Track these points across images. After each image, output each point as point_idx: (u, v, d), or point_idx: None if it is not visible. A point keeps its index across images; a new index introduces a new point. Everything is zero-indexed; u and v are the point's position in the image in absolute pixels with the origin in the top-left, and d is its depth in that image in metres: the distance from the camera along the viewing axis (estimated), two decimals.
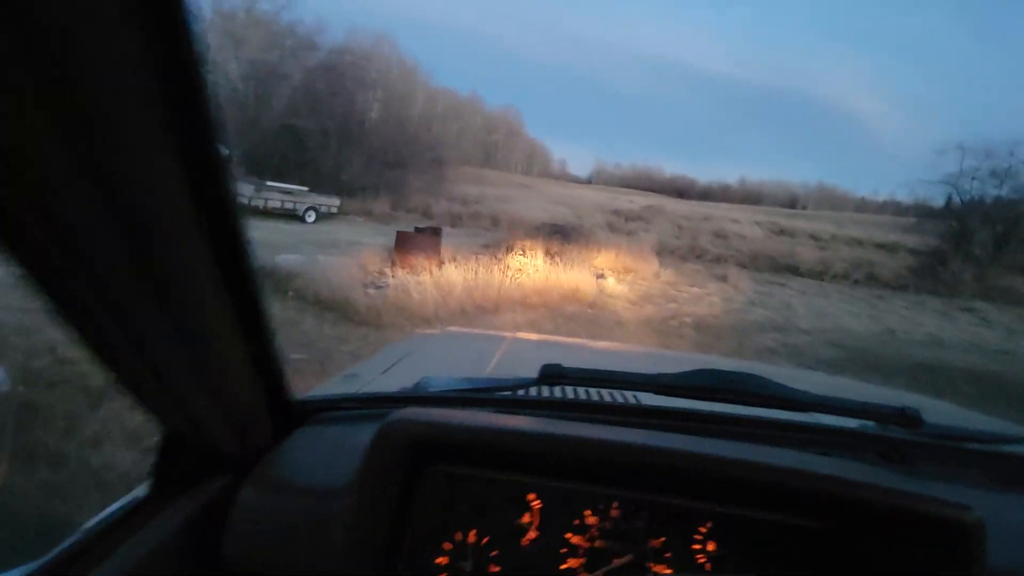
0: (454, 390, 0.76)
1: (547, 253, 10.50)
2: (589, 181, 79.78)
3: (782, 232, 25.89)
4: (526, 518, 0.58)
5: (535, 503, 0.58)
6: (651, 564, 0.56)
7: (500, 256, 10.07)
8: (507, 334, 1.75)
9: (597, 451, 0.53)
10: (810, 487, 0.49)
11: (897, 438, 0.71)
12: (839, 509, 0.51)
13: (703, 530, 0.56)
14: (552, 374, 0.72)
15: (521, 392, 0.76)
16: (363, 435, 0.57)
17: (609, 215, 26.39)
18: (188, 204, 0.38)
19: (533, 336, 2.35)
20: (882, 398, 0.82)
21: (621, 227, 22.48)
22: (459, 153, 43.82)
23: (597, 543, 0.57)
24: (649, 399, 0.75)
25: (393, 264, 8.28)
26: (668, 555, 0.56)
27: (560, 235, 13.73)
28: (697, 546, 0.56)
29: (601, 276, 10.45)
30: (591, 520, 0.57)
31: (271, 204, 15.71)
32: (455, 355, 1.50)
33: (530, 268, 9.36)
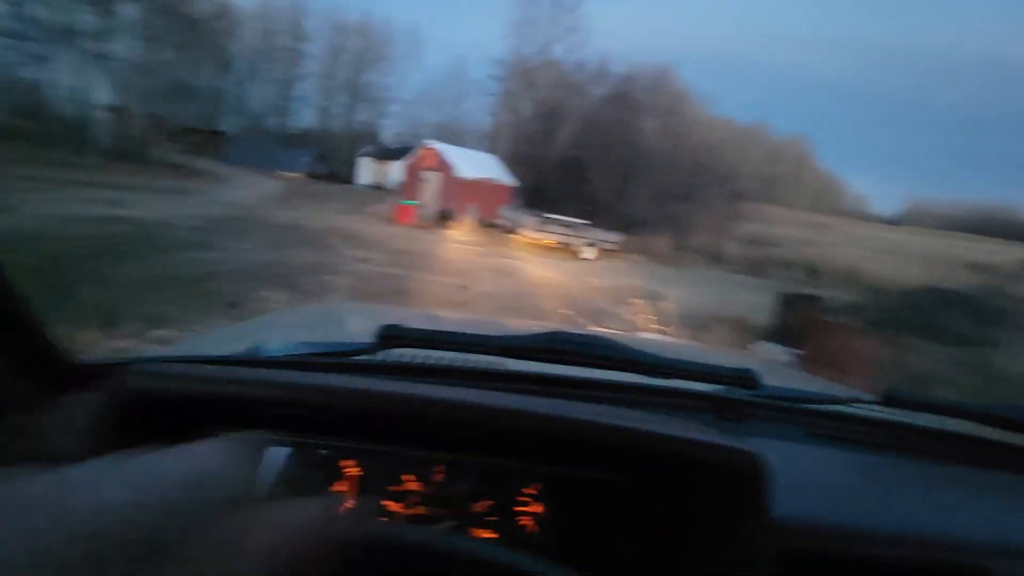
0: (287, 354, 0.69)
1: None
2: (898, 221, 63.12)
3: None
4: (340, 486, 0.54)
5: (351, 470, 0.54)
6: (474, 528, 0.54)
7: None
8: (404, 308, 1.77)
9: (413, 409, 0.48)
10: (612, 438, 0.48)
11: (735, 399, 0.74)
12: (648, 463, 0.50)
13: (530, 492, 0.55)
14: (390, 335, 0.67)
15: (363, 357, 0.70)
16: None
17: (977, 272, 18.10)
18: None
19: (428, 311, 2.44)
20: (733, 363, 0.85)
21: None
22: (737, 187, 38.36)
23: (417, 509, 0.55)
24: (497, 363, 0.73)
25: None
26: (492, 518, 0.54)
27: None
28: (521, 508, 0.55)
29: None
30: (413, 485, 0.55)
31: (552, 238, 14.53)
32: (327, 325, 1.35)
33: None
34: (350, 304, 2.59)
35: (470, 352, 0.73)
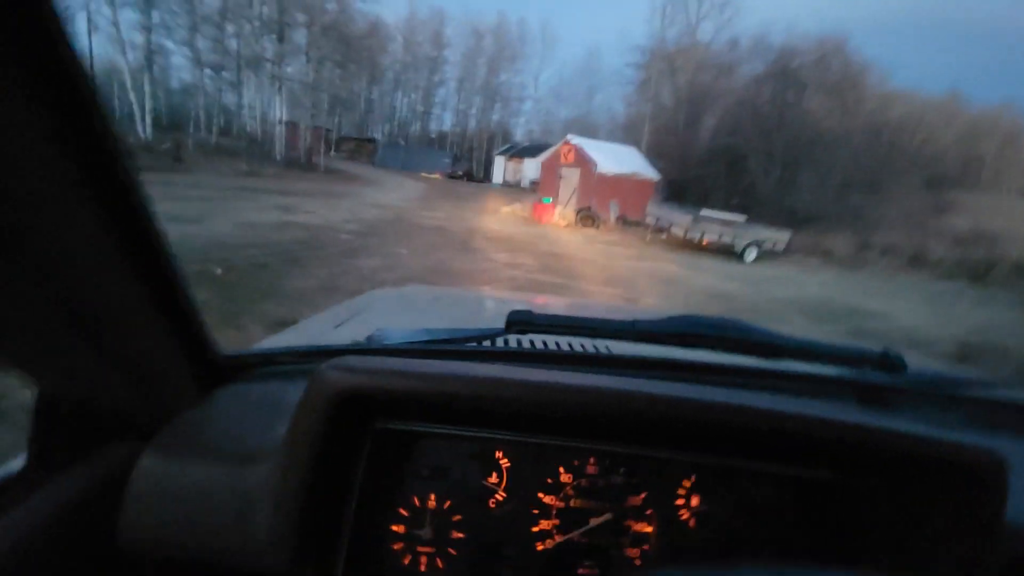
0: (411, 342, 0.67)
1: None
2: None
3: None
4: (493, 478, 0.53)
5: (503, 461, 0.53)
6: (631, 522, 0.53)
7: None
8: (473, 290, 1.79)
9: (570, 398, 0.46)
10: (803, 431, 0.45)
11: (878, 384, 0.71)
12: (832, 456, 0.48)
13: (687, 484, 0.53)
14: (519, 321, 0.65)
15: (487, 343, 0.69)
16: (299, 392, 0.49)
17: None
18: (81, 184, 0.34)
19: (499, 293, 2.30)
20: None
21: None
22: (931, 171, 31.92)
23: (572, 502, 0.53)
24: (623, 348, 0.71)
25: None
26: (649, 512, 0.53)
27: None
28: (680, 501, 0.53)
29: None
30: (565, 477, 0.53)
31: (707, 237, 12.95)
32: (418, 309, 1.34)
33: None
34: (424, 287, 2.53)
35: (598, 337, 0.70)
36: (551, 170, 18.90)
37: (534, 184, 31.05)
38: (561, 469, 0.53)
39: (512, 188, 33.56)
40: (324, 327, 1.05)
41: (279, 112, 28.67)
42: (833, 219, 16.91)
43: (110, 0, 24.77)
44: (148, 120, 25.29)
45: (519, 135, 48.74)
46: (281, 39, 28.32)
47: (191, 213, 8.61)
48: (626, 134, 22.65)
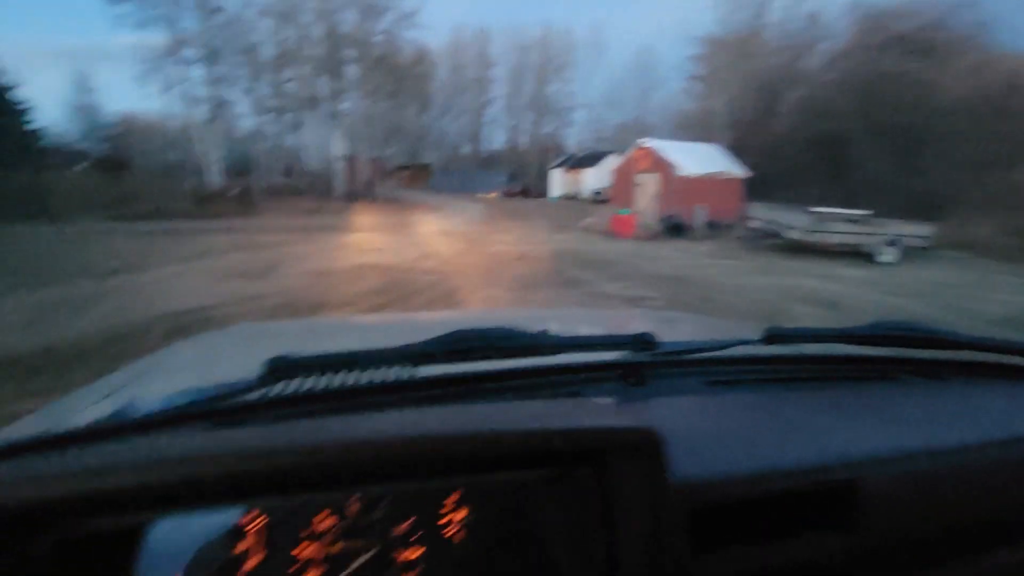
0: (157, 412, 0.61)
1: None
2: None
3: None
4: (243, 545, 0.50)
5: (251, 526, 0.51)
6: (399, 551, 0.53)
7: None
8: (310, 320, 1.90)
9: (300, 457, 0.45)
10: (504, 443, 0.48)
11: (636, 362, 0.78)
12: (555, 456, 0.51)
13: (450, 502, 0.54)
14: (279, 367, 0.64)
15: (251, 396, 0.64)
16: None
17: None
18: None
19: (335, 319, 2.46)
20: (634, 326, 0.91)
21: None
22: None
23: (334, 547, 0.52)
24: (397, 373, 0.73)
25: None
26: (415, 537, 0.53)
27: None
28: (446, 519, 0.54)
29: None
30: (325, 524, 0.52)
31: (833, 239, 10.95)
32: (223, 360, 1.22)
33: None
34: (251, 326, 2.25)
35: (374, 367, 0.72)
36: (625, 178, 17.37)
37: (596, 195, 29.62)
38: (320, 517, 0.52)
39: (572, 201, 32.21)
40: (90, 399, 0.93)
41: (337, 147, 29.05)
42: (970, 203, 14.26)
43: (179, 59, 26.11)
44: (217, 168, 26.28)
45: (572, 145, 47.45)
46: (335, 76, 28.76)
47: (258, 265, 7.94)
48: (692, 133, 20.69)
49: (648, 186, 16.31)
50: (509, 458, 0.49)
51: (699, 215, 15.60)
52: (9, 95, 35.96)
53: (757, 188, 17.52)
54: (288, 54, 29.37)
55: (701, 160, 16.54)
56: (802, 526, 0.55)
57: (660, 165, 15.94)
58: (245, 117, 32.35)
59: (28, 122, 38.60)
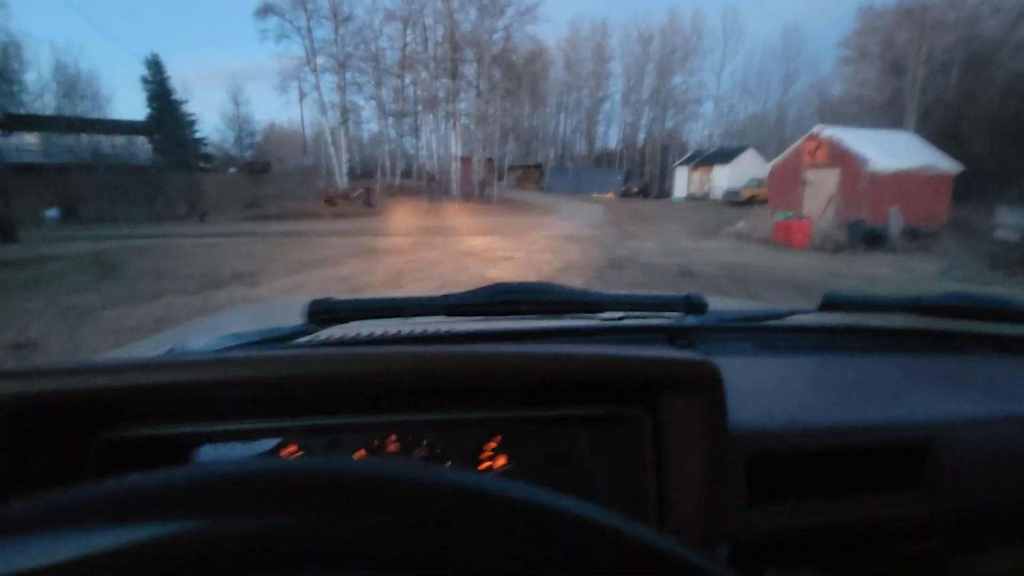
0: (212, 350, 0.63)
1: None
2: None
3: None
4: None
5: (296, 455, 0.50)
6: None
7: None
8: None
9: (342, 369, 0.43)
10: (556, 369, 0.46)
11: (684, 326, 0.75)
12: (606, 391, 0.49)
13: (492, 445, 0.52)
14: (320, 310, 0.63)
15: (298, 340, 0.65)
16: None
17: None
18: None
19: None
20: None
21: None
22: None
23: None
24: (441, 325, 0.71)
25: None
26: None
27: None
28: (487, 464, 0.52)
29: None
30: (364, 454, 0.51)
31: None
32: (269, 320, 1.12)
33: None
34: (292, 298, 2.06)
35: (410, 316, 0.69)
36: (789, 175, 14.40)
37: (730, 195, 26.23)
38: (361, 452, 0.50)
39: (700, 202, 29.01)
40: (147, 347, 0.93)
41: (454, 148, 28.82)
42: None
43: (313, 68, 27.44)
44: (344, 170, 27.25)
45: (695, 141, 43.51)
46: (454, 76, 28.53)
47: (379, 276, 6.92)
48: (859, 123, 16.87)
49: (823, 184, 13.28)
50: (554, 391, 0.47)
51: (894, 220, 12.35)
52: (181, 109, 40.98)
53: (969, 186, 13.68)
54: (410, 57, 29.75)
55: (898, 152, 13.11)
56: (871, 484, 0.52)
57: (842, 158, 12.85)
58: (370, 121, 33.67)
59: (194, 132, 43.70)
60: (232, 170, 36.45)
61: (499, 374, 0.44)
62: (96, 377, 0.39)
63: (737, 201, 25.27)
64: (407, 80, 30.26)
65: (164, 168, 23.59)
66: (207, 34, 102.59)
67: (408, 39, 29.82)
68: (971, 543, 0.55)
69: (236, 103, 50.58)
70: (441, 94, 29.46)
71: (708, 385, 0.45)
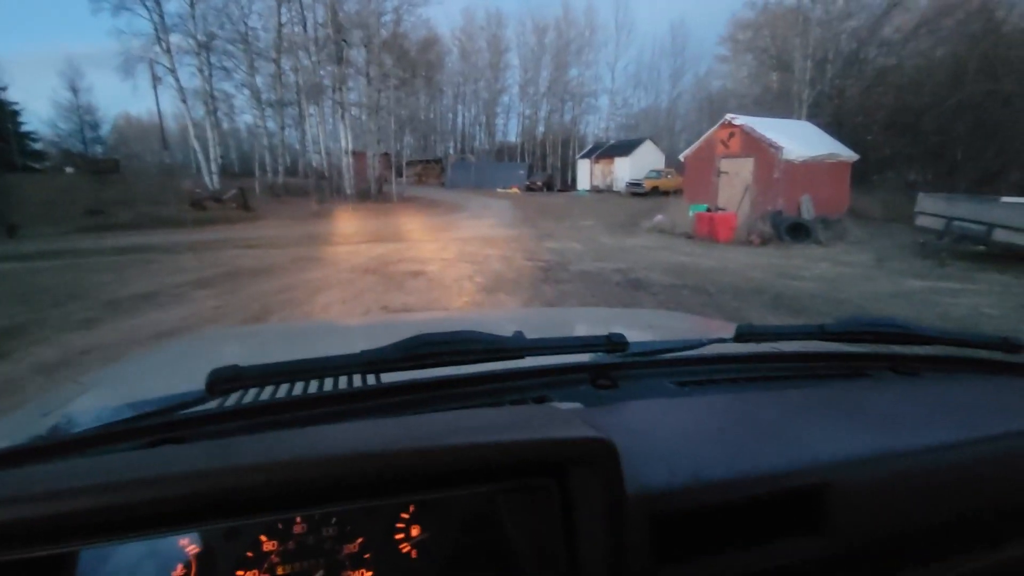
0: (96, 428, 0.59)
1: None
2: None
3: None
4: (179, 570, 0.47)
5: (189, 548, 0.47)
6: (348, 573, 0.49)
7: None
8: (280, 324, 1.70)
9: (239, 483, 0.42)
10: (467, 457, 0.47)
11: (607, 363, 0.77)
12: (513, 467, 0.50)
13: (405, 516, 0.50)
14: (222, 378, 0.59)
15: (194, 410, 0.62)
16: None
17: None
18: None
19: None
20: (609, 325, 0.87)
21: None
22: None
23: (279, 570, 0.48)
24: (362, 379, 0.72)
25: None
26: (368, 556, 0.50)
27: None
28: (400, 535, 0.50)
29: None
30: (268, 546, 0.48)
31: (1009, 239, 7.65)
32: (185, 365, 1.15)
33: None
34: (223, 331, 2.08)
35: (323, 377, 0.67)
36: (704, 165, 14.00)
37: (632, 186, 26.30)
38: (263, 538, 0.48)
39: (604, 194, 28.95)
40: (34, 415, 0.88)
41: (344, 142, 26.03)
42: None
43: (166, 48, 23.10)
44: (215, 168, 23.38)
45: (595, 134, 43.99)
46: (340, 61, 25.66)
47: (247, 308, 4.87)
48: (751, 113, 17.29)
49: (738, 174, 13.00)
50: (464, 472, 0.48)
51: (806, 209, 12.33)
52: None
53: (865, 173, 14.20)
54: (287, 39, 26.29)
55: (806, 140, 13.16)
56: (774, 532, 0.54)
57: (757, 147, 12.60)
58: (244, 112, 29.44)
59: (19, 125, 35.86)
60: (69, 170, 30.50)
61: (406, 469, 0.44)
62: None
63: (640, 192, 25.33)
64: (286, 66, 26.74)
65: None
66: (34, 9, 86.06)
67: (284, 19, 26.30)
68: None
69: (74, 90, 42.76)
70: (327, 81, 26.41)
71: (607, 463, 0.47)
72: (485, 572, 0.50)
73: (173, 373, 1.09)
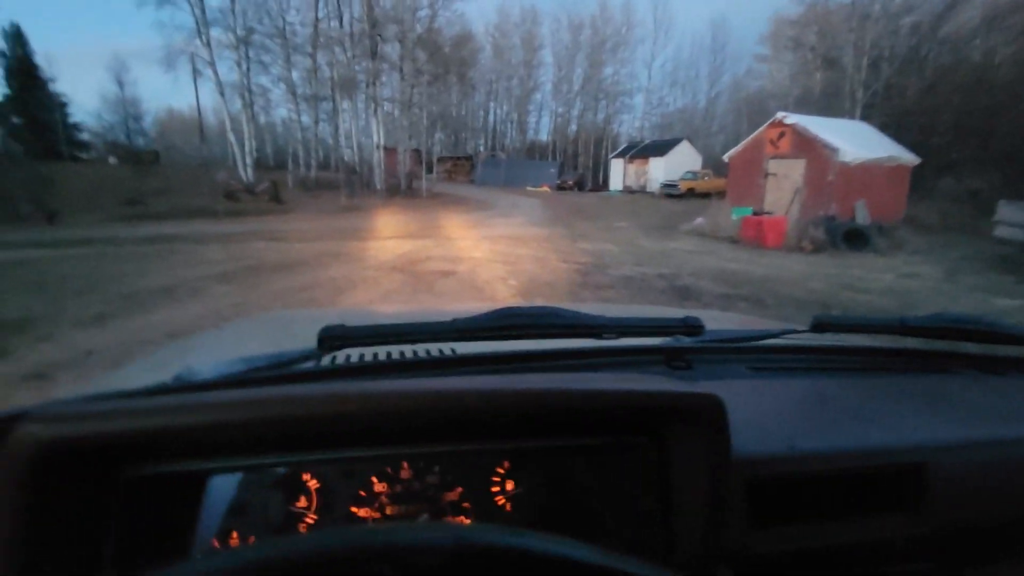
0: (220, 376, 0.62)
1: None
2: None
3: None
4: (301, 502, 0.51)
5: (311, 483, 0.51)
6: (448, 518, 0.53)
7: None
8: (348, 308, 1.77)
9: (357, 406, 0.44)
10: (567, 404, 0.48)
11: (682, 347, 0.78)
12: (609, 421, 0.50)
13: (500, 471, 0.54)
14: (332, 336, 0.64)
15: (305, 365, 0.65)
16: None
17: None
18: None
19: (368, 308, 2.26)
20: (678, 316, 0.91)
21: None
22: None
23: (388, 510, 0.52)
24: (448, 348, 0.74)
25: None
26: (466, 505, 0.53)
27: None
28: (496, 488, 0.53)
29: None
30: (379, 487, 0.52)
31: None
32: (268, 338, 1.21)
33: None
34: (287, 311, 2.32)
35: (418, 342, 0.71)
36: (751, 166, 13.22)
37: (667, 187, 25.43)
38: (374, 479, 0.52)
39: (637, 195, 28.13)
40: (147, 368, 0.92)
41: (376, 137, 25.95)
42: None
43: (206, 42, 23.41)
44: (250, 161, 23.60)
45: (628, 133, 43.02)
46: (374, 56, 25.57)
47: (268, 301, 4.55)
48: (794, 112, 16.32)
49: (788, 176, 12.21)
50: (562, 425, 0.48)
51: (861, 215, 11.47)
52: (47, 89, 34.50)
53: (926, 177, 13.18)
54: (323, 34, 26.37)
55: (865, 142, 12.27)
56: (865, 507, 0.54)
57: (809, 148, 11.79)
58: (280, 106, 29.75)
59: (67, 116, 37.05)
60: (113, 160, 31.36)
61: (509, 409, 0.46)
62: (122, 420, 0.40)
63: (675, 194, 24.45)
64: (321, 60, 26.82)
65: (16, 158, 18.95)
66: (84, 5, 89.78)
67: (321, 14, 26.36)
68: (961, 562, 0.56)
69: (120, 84, 44.09)
70: (361, 76, 26.37)
71: (713, 418, 0.47)
72: (577, 530, 0.49)
73: (274, 335, 1.16)
